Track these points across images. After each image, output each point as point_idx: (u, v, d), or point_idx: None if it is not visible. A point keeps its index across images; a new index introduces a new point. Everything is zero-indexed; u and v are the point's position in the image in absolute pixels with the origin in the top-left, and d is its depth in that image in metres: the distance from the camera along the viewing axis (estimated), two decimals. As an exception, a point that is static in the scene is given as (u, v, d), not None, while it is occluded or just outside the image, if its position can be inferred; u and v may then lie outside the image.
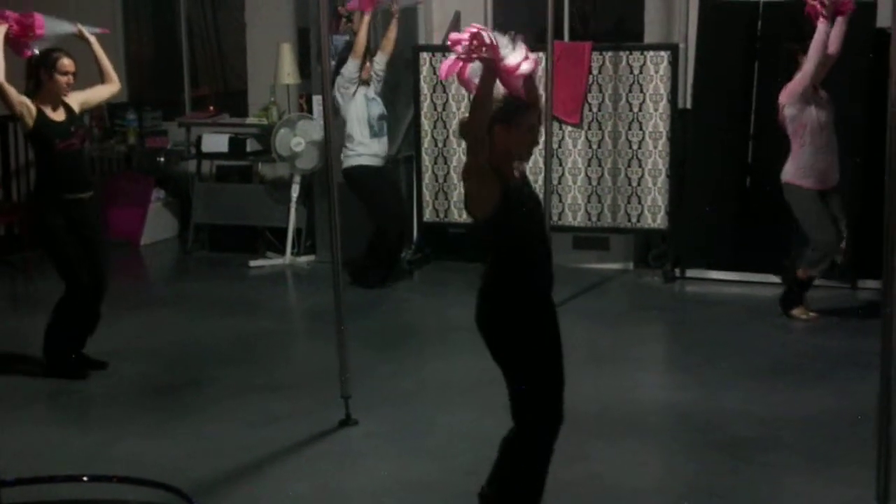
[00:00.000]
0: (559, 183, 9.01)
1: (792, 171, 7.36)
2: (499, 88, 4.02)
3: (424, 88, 9.23)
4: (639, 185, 8.88)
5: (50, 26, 6.42)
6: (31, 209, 6.59)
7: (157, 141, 10.82)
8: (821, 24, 7.02)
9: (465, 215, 9.11)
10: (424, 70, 9.21)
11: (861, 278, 8.15)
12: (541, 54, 7.71)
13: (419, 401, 6.20)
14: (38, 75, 6.40)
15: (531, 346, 4.21)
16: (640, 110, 8.81)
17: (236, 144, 10.15)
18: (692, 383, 6.40)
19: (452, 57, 3.90)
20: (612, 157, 8.94)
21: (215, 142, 10.19)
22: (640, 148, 8.85)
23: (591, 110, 8.94)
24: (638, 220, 8.93)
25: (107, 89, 6.78)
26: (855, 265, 7.78)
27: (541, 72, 8.19)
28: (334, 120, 6.92)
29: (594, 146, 8.97)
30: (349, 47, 8.68)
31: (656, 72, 8.72)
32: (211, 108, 10.89)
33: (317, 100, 9.33)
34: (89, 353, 6.70)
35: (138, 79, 11.52)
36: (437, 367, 6.74)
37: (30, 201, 6.70)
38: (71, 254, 6.44)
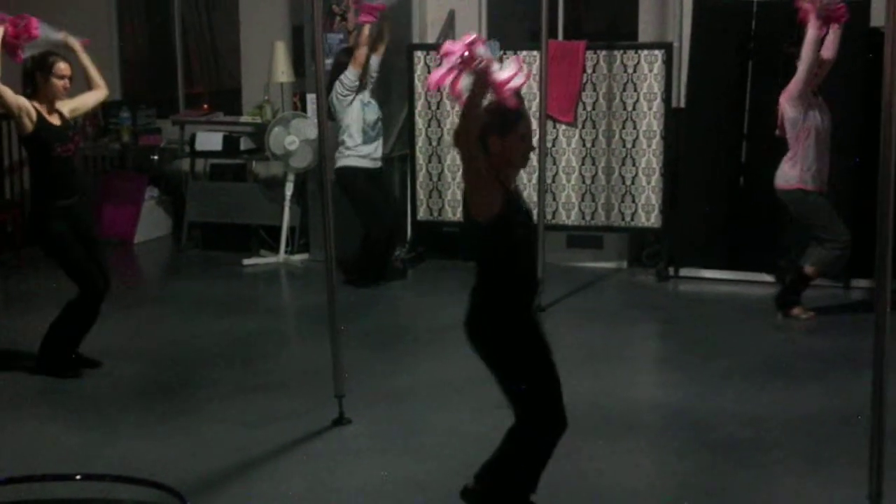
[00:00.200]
0: (553, 181, 9.01)
1: (797, 176, 7.31)
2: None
3: (419, 87, 9.23)
4: (633, 183, 8.89)
5: (42, 30, 6.42)
6: (34, 217, 6.59)
7: (150, 139, 10.80)
8: (812, 29, 7.04)
9: (458, 214, 9.16)
10: (419, 68, 9.21)
11: (854, 277, 8.15)
12: (535, 53, 7.74)
13: (413, 400, 6.20)
14: (34, 79, 6.40)
15: (530, 351, 4.26)
16: (634, 109, 8.82)
17: (230, 143, 10.15)
18: (686, 382, 6.40)
19: (444, 68, 3.89)
20: (606, 155, 8.95)
21: (209, 140, 10.18)
22: (634, 147, 8.85)
23: (585, 109, 8.95)
24: (632, 219, 8.94)
25: (94, 96, 6.79)
26: (848, 264, 7.78)
27: (535, 70, 8.22)
28: (328, 119, 6.93)
29: (588, 145, 8.98)
30: (348, 51, 8.65)
31: (650, 71, 8.73)
32: (205, 106, 10.89)
33: (311, 98, 9.32)
34: (83, 351, 6.69)
35: (132, 77, 11.50)
36: (431, 365, 6.73)
37: (31, 208, 6.69)
38: (81, 257, 6.46)
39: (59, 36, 6.57)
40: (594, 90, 8.91)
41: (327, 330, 5.73)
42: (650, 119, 8.78)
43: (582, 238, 9.25)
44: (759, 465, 5.17)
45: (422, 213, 9.47)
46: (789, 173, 7.36)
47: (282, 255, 9.61)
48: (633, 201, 8.90)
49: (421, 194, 9.44)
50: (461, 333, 4.30)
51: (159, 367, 6.91)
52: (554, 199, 9.04)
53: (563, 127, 8.99)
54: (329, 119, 7.00)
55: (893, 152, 4.15)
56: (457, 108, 8.48)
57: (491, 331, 4.26)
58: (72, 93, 6.60)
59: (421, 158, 9.39)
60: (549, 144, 8.79)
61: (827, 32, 7.19)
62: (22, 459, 5.29)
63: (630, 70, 8.78)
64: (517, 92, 4.12)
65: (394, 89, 9.40)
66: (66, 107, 6.54)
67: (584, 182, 9.03)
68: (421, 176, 9.41)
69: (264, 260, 9.67)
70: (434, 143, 9.29)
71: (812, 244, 7.46)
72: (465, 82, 3.94)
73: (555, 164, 9.00)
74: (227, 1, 10.99)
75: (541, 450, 4.33)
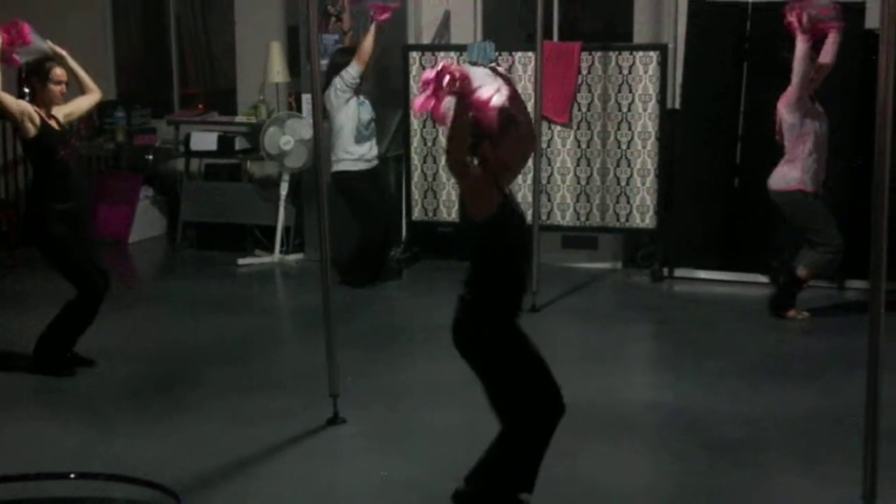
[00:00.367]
0: (548, 182, 9.01)
1: (798, 178, 7.30)
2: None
3: (413, 87, 9.23)
4: (627, 184, 8.89)
5: (34, 36, 6.43)
6: (31, 219, 6.59)
7: (145, 139, 10.79)
8: (800, 42, 7.05)
9: (453, 214, 9.17)
10: (414, 69, 9.21)
11: (848, 278, 8.16)
12: (530, 54, 7.75)
13: (407, 400, 6.20)
14: (31, 85, 6.41)
15: (517, 353, 4.27)
16: (629, 110, 8.82)
17: (225, 143, 10.14)
18: (680, 383, 6.41)
19: (423, 95, 3.92)
20: (601, 156, 8.95)
21: (204, 140, 10.17)
22: (628, 148, 8.86)
23: (580, 110, 8.95)
24: (626, 220, 8.95)
25: (88, 100, 6.79)
26: (842, 265, 7.78)
27: (530, 71, 8.23)
28: (323, 119, 6.92)
29: (583, 146, 8.98)
30: (344, 51, 8.66)
31: (645, 72, 8.74)
32: (200, 106, 10.88)
33: (306, 98, 9.32)
34: (77, 350, 6.69)
35: (127, 76, 11.49)
36: (426, 366, 6.74)
37: (29, 210, 6.70)
38: (80, 259, 6.47)
39: (45, 45, 6.58)
40: (589, 91, 8.92)
41: (322, 330, 5.73)
42: (645, 120, 8.79)
43: (577, 239, 9.26)
44: (754, 464, 5.18)
45: (417, 214, 9.48)
46: (789, 174, 7.35)
47: (277, 255, 9.61)
48: (628, 202, 8.91)
49: (416, 194, 9.45)
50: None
51: (154, 366, 6.90)
52: (549, 200, 9.04)
53: (559, 128, 8.99)
54: (323, 118, 7.00)
55: (888, 154, 4.16)
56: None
57: (479, 332, 4.27)
58: (66, 97, 6.62)
59: (416, 159, 9.39)
60: (544, 145, 8.80)
61: (820, 40, 7.19)
62: (16, 458, 5.28)
63: (625, 71, 8.79)
64: (518, 99, 4.17)
65: (389, 90, 9.40)
66: (61, 112, 6.56)
67: (579, 183, 9.03)
68: (416, 176, 9.41)
69: (259, 260, 9.67)
70: (429, 144, 9.29)
71: (805, 247, 7.47)
72: (447, 104, 3.97)
73: (550, 164, 9.01)
74: (223, 1, 10.99)
75: (531, 450, 4.33)
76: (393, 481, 5.05)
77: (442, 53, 9.22)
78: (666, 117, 8.76)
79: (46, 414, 6.18)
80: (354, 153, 8.57)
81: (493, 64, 4.30)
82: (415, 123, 9.32)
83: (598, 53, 8.86)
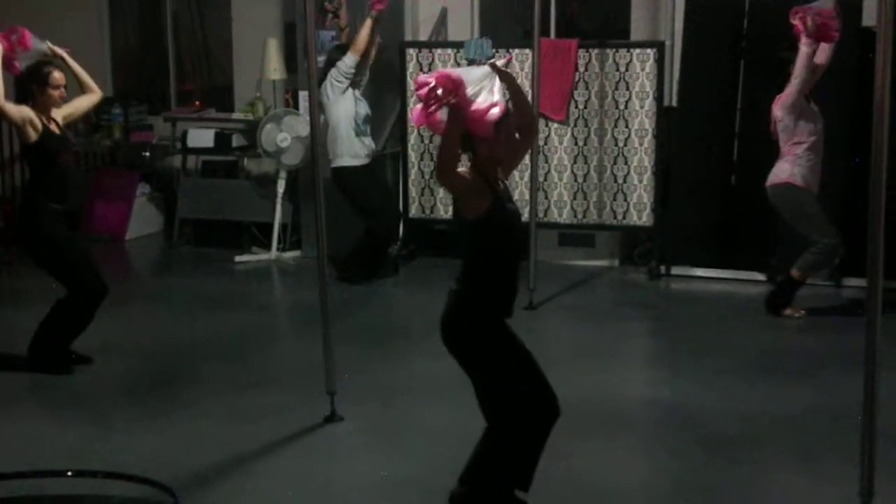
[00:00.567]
0: (545, 180, 9.01)
1: (793, 172, 7.30)
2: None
3: (411, 84, 9.22)
4: (624, 182, 8.89)
5: (33, 41, 6.42)
6: (24, 218, 6.59)
7: (142, 136, 10.78)
8: (804, 46, 7.03)
9: (450, 212, 9.11)
10: (411, 66, 9.20)
11: (845, 276, 8.16)
12: (527, 51, 7.75)
13: (404, 397, 6.21)
14: (30, 90, 6.40)
15: (506, 352, 4.26)
16: (626, 108, 8.82)
17: (222, 139, 10.14)
18: (677, 380, 6.42)
19: (420, 106, 3.95)
20: (597, 154, 8.95)
21: (201, 137, 10.16)
22: (625, 145, 8.86)
23: (577, 107, 8.95)
24: (623, 218, 8.95)
25: (87, 100, 6.79)
26: (840, 264, 7.79)
27: (527, 69, 8.23)
28: (320, 116, 6.92)
29: (580, 143, 8.98)
30: (341, 48, 8.65)
31: (642, 69, 8.74)
32: (197, 102, 10.86)
33: (303, 95, 9.31)
34: (74, 348, 6.68)
35: (124, 73, 11.48)
36: (423, 363, 6.73)
37: (24, 211, 6.70)
38: (73, 259, 6.46)
39: (44, 46, 6.57)
40: (586, 88, 8.92)
41: (319, 327, 5.73)
42: (642, 118, 8.79)
43: (574, 236, 9.26)
44: (751, 462, 5.18)
45: (413, 211, 9.47)
46: (781, 167, 7.36)
47: (273, 252, 9.61)
48: (625, 200, 8.91)
49: (413, 192, 9.45)
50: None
51: (151, 363, 6.90)
52: (546, 198, 9.04)
53: (555, 125, 8.99)
54: (320, 112, 7.00)
55: (885, 152, 4.16)
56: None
57: (467, 327, 4.27)
58: (66, 98, 6.61)
59: (413, 156, 9.39)
60: (541, 142, 8.81)
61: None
62: (13, 456, 5.28)
63: (622, 68, 8.79)
64: (523, 98, 4.18)
65: (386, 87, 9.40)
66: (60, 114, 6.56)
67: (575, 180, 9.03)
68: (413, 173, 9.41)
69: (256, 257, 9.66)
70: (426, 141, 9.29)
71: (803, 246, 7.48)
72: (443, 115, 3.99)
73: (547, 162, 9.01)
74: (220, -3, 11.00)
75: (519, 450, 4.32)
76: (390, 478, 5.05)
77: (439, 50, 9.21)
78: (663, 115, 8.76)
79: (43, 411, 6.18)
80: (351, 149, 8.57)
81: (493, 59, 4.28)
82: (412, 121, 9.31)
83: (596, 50, 8.86)
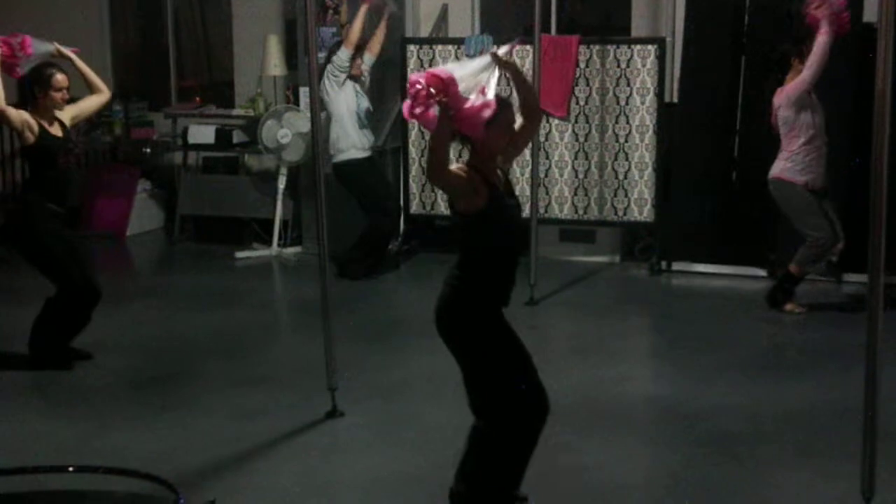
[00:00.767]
0: (546, 176, 9.01)
1: (785, 167, 7.33)
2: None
3: (412, 80, 9.21)
4: (625, 178, 8.89)
5: (35, 46, 6.42)
6: (20, 218, 6.59)
7: (142, 132, 10.79)
8: (822, 36, 6.99)
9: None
10: (412, 62, 9.20)
11: (846, 272, 8.16)
12: (528, 47, 7.74)
13: (405, 393, 6.21)
14: (32, 92, 6.41)
15: (499, 346, 4.25)
16: (626, 104, 8.82)
17: (223, 136, 10.14)
18: (678, 376, 6.42)
19: (410, 101, 3.95)
20: (598, 150, 8.95)
21: (201, 133, 10.16)
22: (626, 141, 8.86)
23: (578, 104, 8.95)
24: (624, 214, 8.95)
25: (97, 100, 6.79)
26: (840, 259, 7.79)
27: (528, 65, 8.21)
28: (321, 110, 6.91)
29: (581, 139, 8.98)
30: (339, 44, 8.66)
31: (643, 65, 8.74)
32: (197, 99, 10.86)
33: (304, 91, 9.31)
34: (74, 343, 6.68)
35: (124, 70, 11.48)
36: (424, 359, 6.73)
37: (16, 207, 6.70)
38: (60, 254, 6.45)
39: (51, 48, 6.56)
40: (587, 85, 8.91)
41: (320, 323, 5.73)
42: (643, 114, 8.79)
43: (574, 232, 9.26)
44: (752, 458, 5.18)
45: (414, 207, 9.48)
46: (777, 162, 7.39)
47: (274, 249, 9.61)
48: (626, 196, 8.91)
49: (413, 188, 9.45)
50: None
51: (152, 359, 6.90)
52: (547, 194, 9.04)
53: (556, 121, 8.99)
54: (321, 108, 7.01)
55: (886, 149, 4.16)
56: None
57: (463, 318, 4.26)
58: (73, 97, 6.60)
59: (414, 152, 9.39)
60: (542, 139, 8.81)
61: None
62: (14, 451, 5.28)
63: (623, 65, 8.79)
64: (524, 83, 4.17)
65: (387, 83, 9.40)
66: (68, 114, 6.56)
67: (576, 176, 9.03)
68: (414, 169, 9.41)
69: (257, 253, 9.66)
70: (427, 137, 9.27)
71: (801, 241, 7.49)
72: (435, 110, 3.99)
73: (548, 158, 9.01)
74: (221, -7, 10.99)
75: (510, 446, 4.31)
76: (392, 473, 5.05)
77: (440, 47, 9.21)
78: (664, 111, 8.76)
79: (44, 407, 6.18)
80: (355, 142, 8.58)
81: (494, 48, 4.27)
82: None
83: (597, 47, 8.86)
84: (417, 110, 3.93)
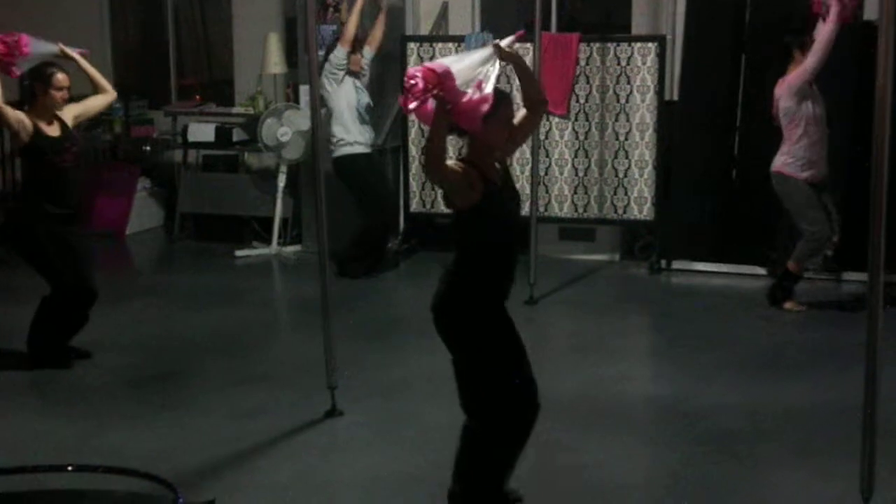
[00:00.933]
0: (546, 174, 9.01)
1: (786, 162, 7.34)
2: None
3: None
4: (625, 176, 8.89)
5: (34, 46, 6.40)
6: (17, 217, 6.58)
7: (142, 130, 10.79)
8: (829, 24, 6.97)
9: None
10: (411, 60, 9.19)
11: (846, 270, 8.15)
12: (528, 45, 7.74)
13: (405, 392, 6.20)
14: (32, 90, 6.39)
15: (495, 342, 4.25)
16: (627, 102, 8.81)
17: (222, 134, 10.14)
18: (677, 375, 6.41)
19: (405, 95, 3.95)
20: (598, 148, 8.95)
21: (201, 131, 10.16)
22: (626, 139, 8.86)
23: (578, 101, 8.95)
24: (624, 212, 8.95)
25: (102, 100, 6.77)
26: (840, 257, 7.79)
27: (528, 63, 8.20)
28: (321, 110, 6.91)
29: (581, 137, 8.98)
30: (337, 41, 8.67)
31: (643, 63, 8.73)
32: (197, 97, 10.86)
33: (304, 89, 9.30)
34: (73, 342, 6.68)
35: (124, 68, 11.47)
36: (424, 358, 6.72)
37: (17, 209, 6.69)
38: (52, 254, 6.42)
39: (54, 48, 6.54)
40: (587, 83, 8.91)
41: (320, 321, 5.72)
42: (643, 112, 8.78)
43: (574, 230, 9.26)
44: (752, 456, 5.18)
45: (414, 205, 9.47)
46: (779, 158, 7.39)
47: (274, 247, 9.61)
48: (626, 194, 8.91)
49: (414, 186, 9.44)
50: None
51: (151, 358, 6.90)
52: (546, 192, 9.04)
53: (556, 119, 8.98)
54: (321, 105, 7.01)
55: (886, 146, 4.15)
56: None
57: (459, 311, 4.24)
58: (73, 97, 6.59)
59: (414, 150, 9.38)
60: (541, 137, 8.80)
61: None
62: (13, 451, 5.28)
63: (623, 63, 8.78)
64: (527, 74, 4.16)
65: (387, 81, 9.39)
66: (70, 113, 6.54)
67: (576, 174, 9.03)
68: (414, 168, 9.40)
69: (257, 251, 9.66)
70: (427, 135, 9.26)
71: (798, 238, 7.49)
72: (432, 104, 3.99)
73: (547, 156, 9.00)
74: (221, -8, 10.99)
75: (505, 440, 4.31)
76: (391, 472, 5.05)
77: (440, 44, 9.21)
78: (664, 109, 8.75)
79: (42, 406, 6.18)
80: (356, 137, 8.58)
81: (497, 40, 4.25)
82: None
83: (597, 45, 8.85)
84: (412, 105, 3.92)
